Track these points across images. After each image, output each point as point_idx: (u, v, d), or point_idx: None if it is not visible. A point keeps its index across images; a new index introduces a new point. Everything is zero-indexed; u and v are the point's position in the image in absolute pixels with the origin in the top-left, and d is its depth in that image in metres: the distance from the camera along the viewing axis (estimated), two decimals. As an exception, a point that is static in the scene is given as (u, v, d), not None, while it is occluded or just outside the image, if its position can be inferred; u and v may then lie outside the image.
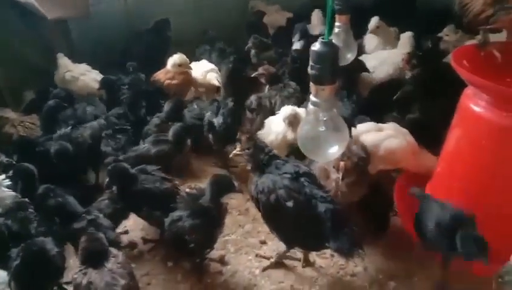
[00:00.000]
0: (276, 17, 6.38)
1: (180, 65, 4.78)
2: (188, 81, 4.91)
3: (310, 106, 2.27)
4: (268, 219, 3.03)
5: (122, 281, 2.47)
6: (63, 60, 5.16)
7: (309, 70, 2.18)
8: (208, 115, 4.18)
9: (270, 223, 3.05)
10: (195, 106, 4.52)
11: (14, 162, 3.68)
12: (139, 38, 5.60)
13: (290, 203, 2.79)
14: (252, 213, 3.72)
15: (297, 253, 3.27)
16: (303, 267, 3.22)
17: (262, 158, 3.01)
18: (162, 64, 4.99)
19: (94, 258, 2.57)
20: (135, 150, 3.92)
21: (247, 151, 3.04)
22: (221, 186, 3.02)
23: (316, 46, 2.12)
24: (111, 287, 2.42)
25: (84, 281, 2.45)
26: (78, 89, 4.94)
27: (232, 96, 4.28)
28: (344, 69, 3.23)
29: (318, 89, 2.20)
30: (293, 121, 3.75)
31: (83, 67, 5.19)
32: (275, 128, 3.88)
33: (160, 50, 5.43)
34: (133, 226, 3.62)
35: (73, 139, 3.84)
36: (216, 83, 4.84)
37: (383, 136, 3.39)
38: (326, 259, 3.27)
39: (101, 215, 3.13)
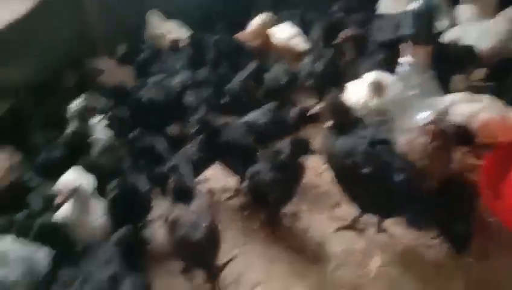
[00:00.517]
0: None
1: (265, 26, 4.80)
2: (269, 43, 4.93)
3: (402, 69, 2.22)
4: (342, 181, 3.04)
5: (206, 222, 2.63)
6: (154, 16, 5.42)
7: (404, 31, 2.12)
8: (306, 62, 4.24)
9: (343, 186, 3.07)
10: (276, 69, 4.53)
11: (110, 108, 3.98)
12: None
13: (366, 170, 2.77)
14: (327, 175, 3.74)
15: (372, 218, 3.27)
16: (377, 232, 3.23)
17: (343, 119, 2.99)
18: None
19: (181, 197, 2.75)
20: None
21: (329, 108, 3.04)
22: (299, 147, 3.10)
23: (415, 7, 2.05)
24: (195, 226, 2.59)
25: (171, 217, 2.64)
26: (166, 45, 5.15)
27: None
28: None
29: (413, 50, 2.14)
30: (377, 88, 3.67)
31: (172, 24, 5.42)
32: (357, 92, 3.83)
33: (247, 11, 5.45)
34: (213, 176, 3.80)
35: (163, 88, 4.04)
36: (300, 48, 4.79)
37: (479, 107, 3.22)
38: (401, 227, 3.24)
39: (183, 163, 3.32)
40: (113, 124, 3.78)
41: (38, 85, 4.55)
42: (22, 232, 2.70)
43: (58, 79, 4.74)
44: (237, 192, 3.65)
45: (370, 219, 3.25)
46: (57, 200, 2.77)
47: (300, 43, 4.79)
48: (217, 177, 3.78)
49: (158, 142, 3.49)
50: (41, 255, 2.54)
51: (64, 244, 2.52)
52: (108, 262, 2.47)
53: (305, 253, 3.14)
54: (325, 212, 3.44)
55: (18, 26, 3.97)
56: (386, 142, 2.89)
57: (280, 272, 3.02)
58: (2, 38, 3.84)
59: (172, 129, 4.29)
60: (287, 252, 3.15)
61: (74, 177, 2.85)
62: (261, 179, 3.07)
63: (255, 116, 3.60)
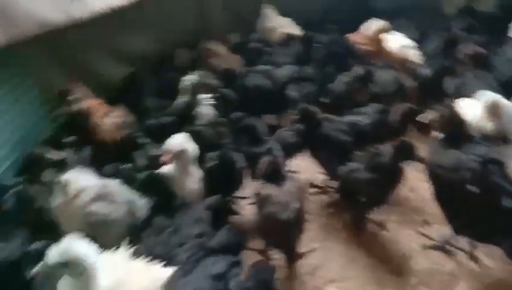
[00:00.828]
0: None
1: (380, 32, 4.74)
2: (382, 50, 4.85)
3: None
4: (442, 197, 2.89)
5: (296, 204, 2.66)
6: (268, 11, 5.60)
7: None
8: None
9: (442, 201, 2.90)
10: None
11: (218, 87, 4.18)
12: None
13: (473, 188, 2.61)
14: (422, 191, 3.58)
15: (463, 243, 3.07)
16: (468, 258, 3.03)
17: (456, 132, 2.85)
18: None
19: (274, 176, 2.80)
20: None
21: (443, 119, 2.92)
22: (403, 151, 2.98)
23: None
24: (285, 206, 2.62)
25: (264, 193, 2.70)
26: (276, 39, 5.28)
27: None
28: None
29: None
30: (494, 110, 3.44)
31: (285, 20, 5.55)
32: (472, 110, 3.62)
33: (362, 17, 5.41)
34: (303, 169, 3.81)
35: (270, 77, 4.17)
36: (415, 59, 4.64)
37: None
38: (494, 256, 2.99)
39: (277, 146, 3.39)
40: (220, 102, 3.97)
41: (155, 58, 4.96)
42: (127, 181, 2.93)
43: (172, 56, 5.11)
44: (324, 189, 3.64)
45: (462, 243, 3.06)
46: (163, 158, 2.96)
47: (415, 55, 4.65)
48: (306, 171, 3.80)
49: (258, 124, 3.58)
50: (142, 203, 2.75)
51: (164, 195, 2.69)
52: (198, 221, 2.61)
53: (387, 263, 3.03)
54: (414, 228, 3.30)
55: (144, 5, 4.34)
56: (500, 164, 2.71)
57: (357, 275, 2.95)
58: (130, 12, 4.23)
59: (270, 118, 4.44)
60: (368, 258, 3.07)
61: (182, 141, 3.03)
62: (355, 178, 3.03)
63: (359, 115, 3.54)
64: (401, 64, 4.69)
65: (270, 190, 2.71)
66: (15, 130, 3.40)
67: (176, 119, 3.79)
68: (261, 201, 2.69)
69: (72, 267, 2.02)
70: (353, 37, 4.91)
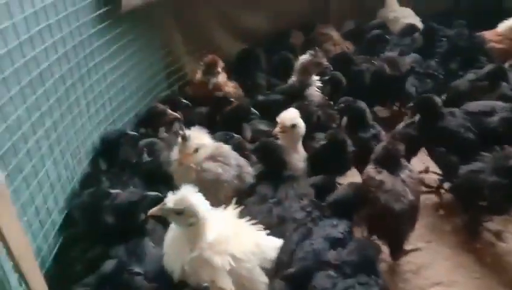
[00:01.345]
0: None
1: (513, 30, 4.30)
2: (516, 49, 4.39)
3: None
4: None
5: (411, 197, 2.50)
6: (391, 0, 5.36)
7: None
8: None
9: None
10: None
11: (331, 68, 4.08)
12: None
13: None
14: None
15: None
16: None
17: None
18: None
19: (391, 163, 2.64)
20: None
21: None
22: None
23: None
24: (399, 197, 2.47)
25: (378, 178, 2.56)
26: (397, 30, 5.03)
27: None
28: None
29: None
30: None
31: (407, 11, 5.28)
32: None
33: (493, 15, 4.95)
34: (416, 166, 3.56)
35: (395, 62, 4.00)
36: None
37: None
38: None
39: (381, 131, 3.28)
40: (329, 85, 3.88)
41: (270, 37, 5.01)
42: (236, 148, 2.97)
43: (288, 36, 5.11)
44: (436, 189, 3.40)
45: None
46: (276, 130, 2.96)
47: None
48: (418, 167, 3.56)
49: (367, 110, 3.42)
50: (251, 169, 2.79)
51: (274, 163, 2.68)
52: (302, 196, 2.55)
53: (499, 274, 2.74)
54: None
55: None
56: None
57: (464, 282, 2.71)
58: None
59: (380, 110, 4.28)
60: (477, 266, 2.81)
61: (295, 116, 3.00)
62: (478, 179, 2.76)
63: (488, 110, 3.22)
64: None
65: (383, 176, 2.56)
66: (141, 85, 3.63)
67: (286, 98, 3.76)
68: (374, 187, 2.55)
69: (186, 216, 2.09)
70: (487, 35, 4.49)
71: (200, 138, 2.69)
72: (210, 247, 2.10)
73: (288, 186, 2.58)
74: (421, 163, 3.56)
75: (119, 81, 3.23)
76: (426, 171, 3.59)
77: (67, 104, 2.56)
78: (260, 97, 3.96)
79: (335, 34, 5.09)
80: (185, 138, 2.61)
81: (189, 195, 2.12)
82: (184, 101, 3.42)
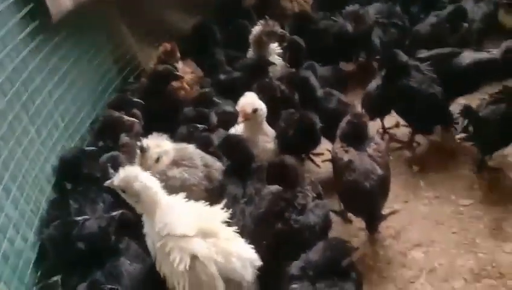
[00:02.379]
0: None
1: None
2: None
3: None
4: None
5: (380, 171, 2.48)
6: None
7: None
8: None
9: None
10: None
11: (287, 34, 3.92)
12: None
13: None
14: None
15: None
16: None
17: None
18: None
19: (356, 138, 2.61)
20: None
21: None
22: None
23: None
24: (368, 174, 2.46)
25: (346, 158, 2.53)
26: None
27: None
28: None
29: None
30: None
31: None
32: None
33: None
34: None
35: (359, 17, 3.89)
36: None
37: None
38: None
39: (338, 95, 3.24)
40: (290, 51, 3.74)
41: (221, 4, 4.75)
42: (202, 143, 2.90)
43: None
44: (408, 143, 3.40)
45: None
46: (239, 120, 2.88)
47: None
48: (388, 121, 3.57)
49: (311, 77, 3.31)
50: (219, 165, 2.73)
51: (240, 157, 2.62)
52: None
53: (478, 225, 2.79)
54: (509, 187, 3.00)
55: None
56: None
57: (444, 239, 2.75)
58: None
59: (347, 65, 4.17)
60: (455, 220, 2.85)
61: (254, 100, 2.91)
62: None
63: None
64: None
65: (351, 155, 2.53)
66: (93, 89, 3.46)
67: (247, 73, 3.64)
68: (342, 167, 2.53)
69: (129, 194, 2.14)
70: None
71: (159, 145, 2.61)
72: (175, 240, 2.06)
73: (257, 181, 2.54)
74: (392, 117, 3.54)
75: (67, 93, 3.06)
76: (397, 125, 3.58)
77: (15, 138, 2.42)
78: (222, 76, 3.84)
79: (291, -12, 4.84)
80: (143, 150, 2.53)
81: (132, 174, 2.13)
82: (136, 100, 3.27)
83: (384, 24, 3.90)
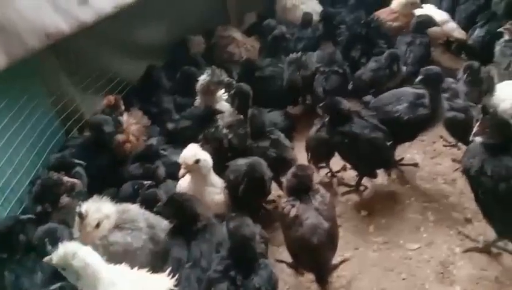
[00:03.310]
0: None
1: (412, 4, 4.35)
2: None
3: None
4: (486, 205, 2.64)
5: (326, 225, 2.48)
6: (286, -13, 5.25)
7: None
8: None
9: (486, 209, 2.67)
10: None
11: (234, 81, 3.94)
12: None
13: None
14: (459, 185, 3.36)
15: (509, 244, 2.85)
16: (514, 260, 2.81)
17: (500, 134, 2.50)
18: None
19: (301, 193, 2.60)
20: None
21: (482, 119, 2.57)
22: None
23: None
24: (315, 229, 2.44)
25: (292, 213, 2.51)
26: (297, 18, 4.95)
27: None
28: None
29: None
30: None
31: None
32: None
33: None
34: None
35: (302, 65, 4.01)
36: (458, 35, 4.26)
37: None
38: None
39: (282, 135, 3.36)
40: (238, 99, 3.75)
41: (170, 51, 4.74)
42: (147, 201, 2.81)
43: (187, 46, 4.86)
44: (356, 187, 3.45)
45: (508, 245, 2.83)
46: (181, 172, 2.83)
47: (458, 30, 4.29)
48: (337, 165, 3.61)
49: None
50: (164, 224, 2.63)
51: (186, 217, 2.54)
52: (219, 247, 2.45)
53: (426, 270, 2.83)
54: (453, 228, 3.07)
55: None
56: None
57: (394, 286, 2.77)
58: (143, 3, 3.92)
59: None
60: (405, 266, 2.88)
61: (196, 152, 2.88)
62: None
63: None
64: (437, 39, 4.32)
65: (298, 209, 2.52)
66: (31, 146, 3.30)
67: (195, 122, 3.61)
68: (289, 222, 2.51)
69: (68, 272, 2.06)
70: (383, 15, 4.51)
71: (99, 209, 2.50)
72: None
73: (203, 241, 2.47)
74: (339, 160, 3.57)
75: (2, 153, 2.91)
76: (344, 168, 3.63)
77: None
78: (170, 125, 3.79)
79: (237, 35, 4.94)
80: (81, 216, 2.41)
81: (71, 252, 2.03)
82: (77, 161, 3.14)
83: (326, 72, 3.99)
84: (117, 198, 2.95)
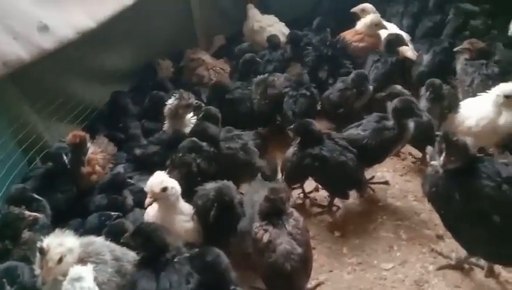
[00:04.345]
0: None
1: (376, 25, 4.45)
2: (377, 46, 4.55)
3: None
4: (454, 226, 2.66)
5: (299, 250, 2.43)
6: (253, 11, 5.31)
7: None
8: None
9: (454, 230, 2.69)
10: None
11: (203, 104, 3.91)
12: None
13: (496, 218, 2.41)
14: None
15: (481, 259, 2.87)
16: (486, 277, 2.83)
17: (458, 158, 2.50)
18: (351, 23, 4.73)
19: (274, 217, 2.55)
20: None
21: (438, 141, 2.57)
22: None
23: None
24: (288, 255, 2.39)
25: (265, 239, 2.46)
26: (264, 40, 4.97)
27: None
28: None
29: None
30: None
31: (271, 18, 5.26)
32: (476, 112, 3.38)
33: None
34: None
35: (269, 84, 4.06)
36: (411, 56, 4.37)
37: None
38: (513, 274, 2.80)
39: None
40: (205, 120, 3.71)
41: (137, 75, 4.67)
42: (113, 233, 2.71)
43: (156, 69, 4.80)
44: (328, 207, 3.43)
45: (480, 260, 2.86)
46: (146, 202, 2.75)
47: (411, 51, 4.40)
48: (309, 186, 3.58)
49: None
50: (131, 256, 2.52)
51: (154, 247, 2.45)
52: (188, 277, 2.36)
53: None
54: (426, 245, 3.08)
55: (117, 20, 3.86)
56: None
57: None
58: (107, 28, 3.84)
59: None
60: (380, 285, 2.86)
61: (162, 179, 2.80)
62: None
63: (358, 130, 3.31)
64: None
65: (271, 234, 2.46)
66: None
67: (164, 147, 3.54)
68: (262, 248, 2.45)
69: None
70: (348, 36, 4.59)
71: (62, 243, 2.36)
72: None
73: (172, 272, 2.38)
74: (311, 180, 3.56)
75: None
76: (316, 189, 3.61)
77: None
78: (137, 151, 3.67)
79: (206, 57, 4.93)
80: (43, 251, 2.28)
81: None
82: (35, 196, 3.01)
83: (294, 96, 3.98)
84: (82, 229, 2.85)
